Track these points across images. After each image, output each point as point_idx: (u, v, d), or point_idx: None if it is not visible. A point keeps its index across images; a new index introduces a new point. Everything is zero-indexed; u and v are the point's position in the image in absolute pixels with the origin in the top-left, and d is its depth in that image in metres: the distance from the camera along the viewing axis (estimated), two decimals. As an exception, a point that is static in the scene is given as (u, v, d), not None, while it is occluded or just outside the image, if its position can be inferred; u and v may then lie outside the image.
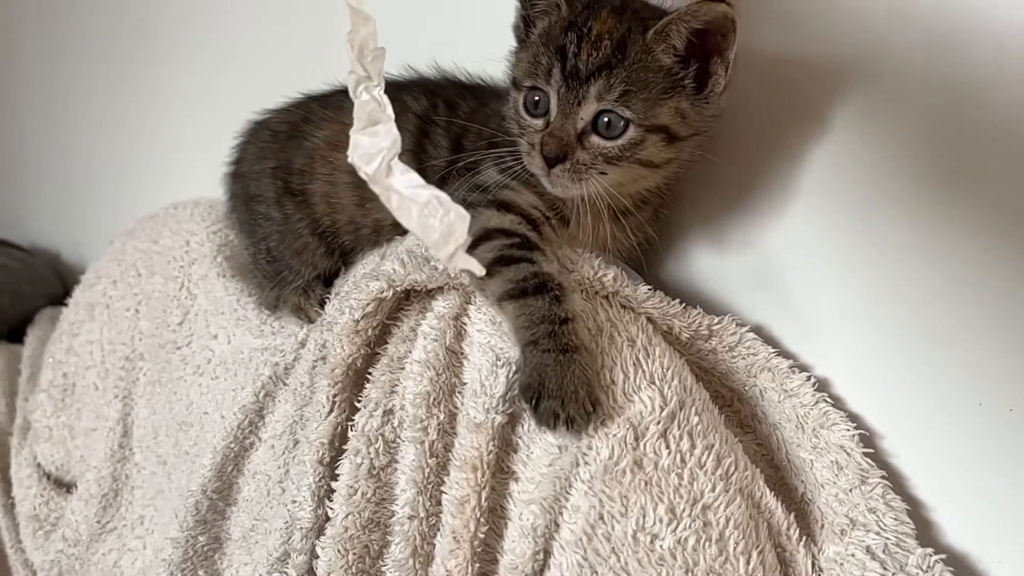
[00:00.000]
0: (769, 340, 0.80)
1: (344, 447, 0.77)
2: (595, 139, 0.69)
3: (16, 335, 1.48)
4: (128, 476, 1.12)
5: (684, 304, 0.78)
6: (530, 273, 0.69)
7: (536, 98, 0.72)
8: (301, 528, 0.78)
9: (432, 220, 0.60)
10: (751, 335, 0.78)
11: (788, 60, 0.76)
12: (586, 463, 0.66)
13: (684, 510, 0.63)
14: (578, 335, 0.67)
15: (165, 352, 1.09)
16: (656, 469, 0.65)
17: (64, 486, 1.22)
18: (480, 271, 0.61)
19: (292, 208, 0.92)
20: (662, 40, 0.67)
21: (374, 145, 0.61)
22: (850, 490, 0.67)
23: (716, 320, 0.79)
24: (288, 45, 1.22)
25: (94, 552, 1.14)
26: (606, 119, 0.68)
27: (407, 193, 0.60)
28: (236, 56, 1.33)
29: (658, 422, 0.68)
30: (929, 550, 0.65)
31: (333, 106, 0.87)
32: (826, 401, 0.70)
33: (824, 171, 0.76)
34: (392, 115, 0.61)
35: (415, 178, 0.60)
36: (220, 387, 0.98)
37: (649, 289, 0.78)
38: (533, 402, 0.65)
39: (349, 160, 0.61)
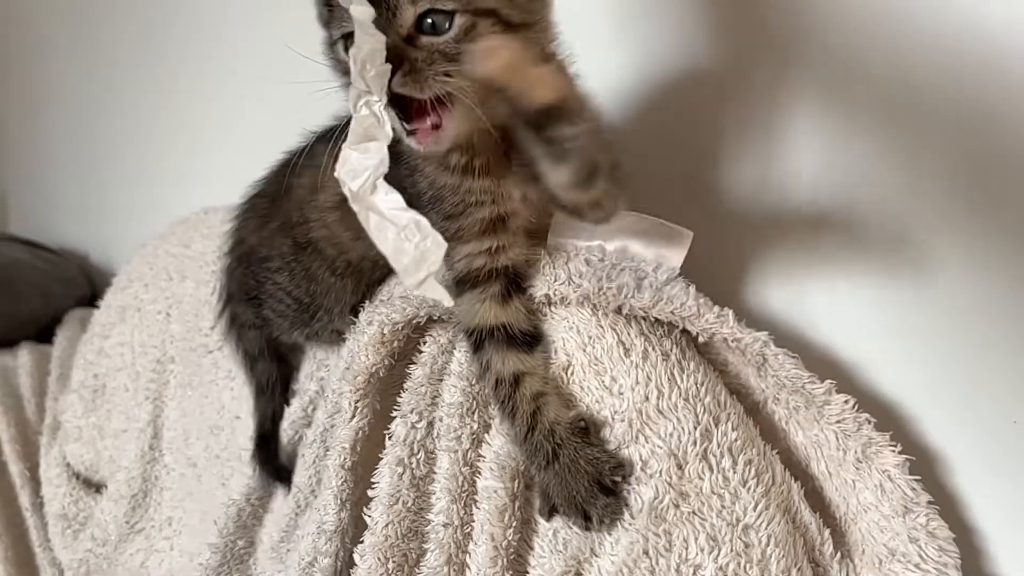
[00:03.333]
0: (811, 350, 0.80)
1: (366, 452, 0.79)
2: (425, 39, 0.64)
3: (45, 335, 1.49)
4: (157, 477, 1.14)
5: (716, 310, 0.74)
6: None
7: (349, 32, 0.65)
8: (325, 532, 0.79)
9: (407, 244, 0.59)
10: (782, 353, 0.74)
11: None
12: (627, 504, 0.67)
13: (725, 534, 0.63)
14: (556, 433, 0.68)
15: (196, 356, 1.10)
16: (700, 495, 0.65)
17: (93, 486, 1.23)
18: (448, 302, 0.61)
19: (307, 258, 0.90)
20: None
21: (362, 162, 0.61)
22: (892, 517, 0.66)
23: (742, 332, 0.75)
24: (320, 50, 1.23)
25: (122, 552, 1.16)
26: (429, 20, 0.64)
27: (388, 214, 0.60)
28: (267, 60, 1.34)
29: (695, 442, 0.68)
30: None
31: (308, 153, 0.84)
32: (869, 422, 0.69)
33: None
34: (390, 133, 0.61)
35: (398, 199, 0.60)
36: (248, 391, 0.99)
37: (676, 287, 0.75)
38: (551, 518, 0.68)
39: (336, 175, 0.61)
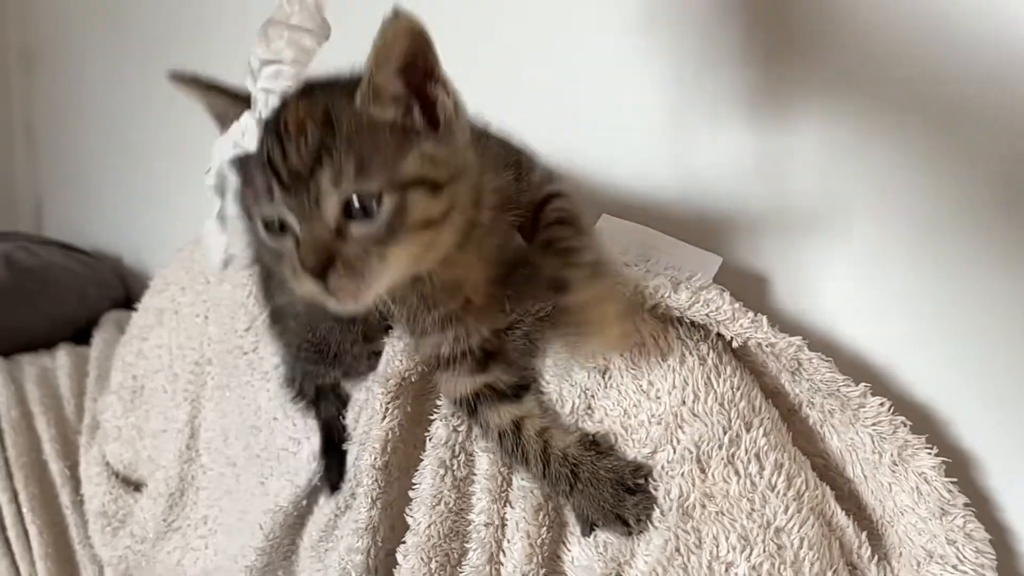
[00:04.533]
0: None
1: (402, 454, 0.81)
2: (355, 228, 0.58)
3: (82, 337, 1.52)
4: (194, 477, 1.16)
5: (751, 316, 0.75)
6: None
7: (270, 220, 0.61)
8: (357, 529, 0.81)
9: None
10: (816, 357, 0.75)
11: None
12: (656, 501, 0.69)
13: (757, 535, 0.64)
14: (570, 456, 0.69)
15: (232, 357, 1.12)
16: (726, 497, 0.66)
17: (131, 484, 1.26)
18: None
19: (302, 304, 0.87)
20: (373, 98, 0.59)
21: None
22: (929, 519, 0.66)
23: (776, 336, 0.76)
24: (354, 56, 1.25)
25: (159, 550, 1.18)
26: (356, 204, 0.58)
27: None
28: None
29: (720, 446, 0.69)
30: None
31: None
32: (904, 425, 0.70)
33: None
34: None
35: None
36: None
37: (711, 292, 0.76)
38: (592, 534, 0.69)
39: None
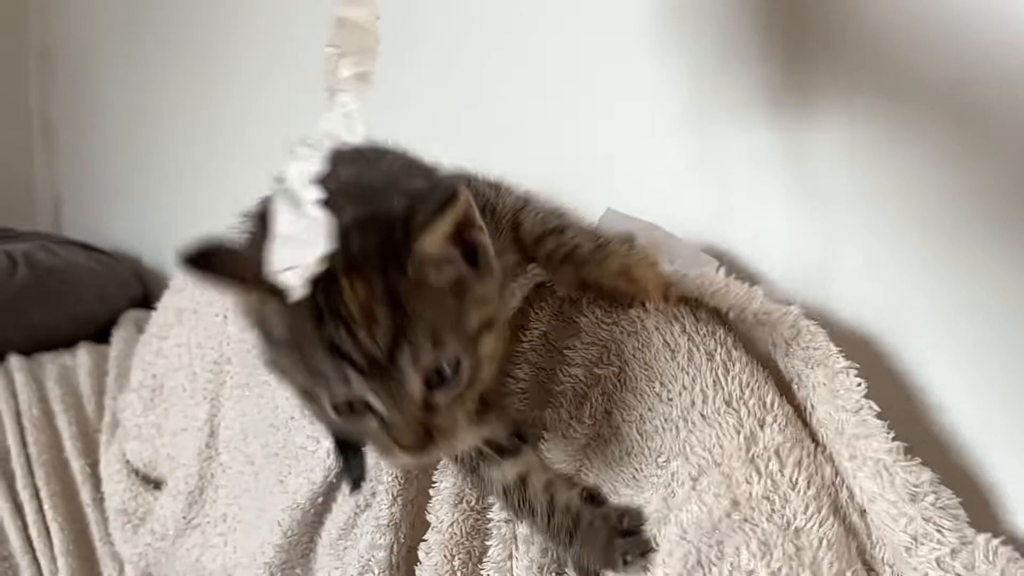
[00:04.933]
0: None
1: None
2: (439, 396, 0.57)
3: (102, 336, 1.54)
4: (213, 475, 1.17)
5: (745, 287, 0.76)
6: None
7: (349, 406, 0.58)
8: (380, 526, 0.82)
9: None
10: (814, 326, 0.74)
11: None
12: (677, 518, 0.68)
13: (777, 539, 0.64)
14: (572, 507, 0.68)
15: (251, 356, 1.13)
16: (750, 500, 0.66)
17: (151, 482, 1.27)
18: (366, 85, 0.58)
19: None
20: (427, 268, 0.56)
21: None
22: (896, 502, 0.64)
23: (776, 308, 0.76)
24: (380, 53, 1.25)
25: (179, 547, 1.19)
26: (437, 375, 0.57)
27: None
28: (321, 65, 1.36)
29: (739, 447, 0.68)
30: (987, 535, 0.62)
31: None
32: (871, 409, 0.67)
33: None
34: (360, 135, 0.57)
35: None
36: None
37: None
38: None
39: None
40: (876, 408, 0.68)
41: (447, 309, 0.56)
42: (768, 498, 0.66)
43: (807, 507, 0.66)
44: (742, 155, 0.87)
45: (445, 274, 0.56)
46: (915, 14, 0.73)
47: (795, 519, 0.65)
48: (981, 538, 0.61)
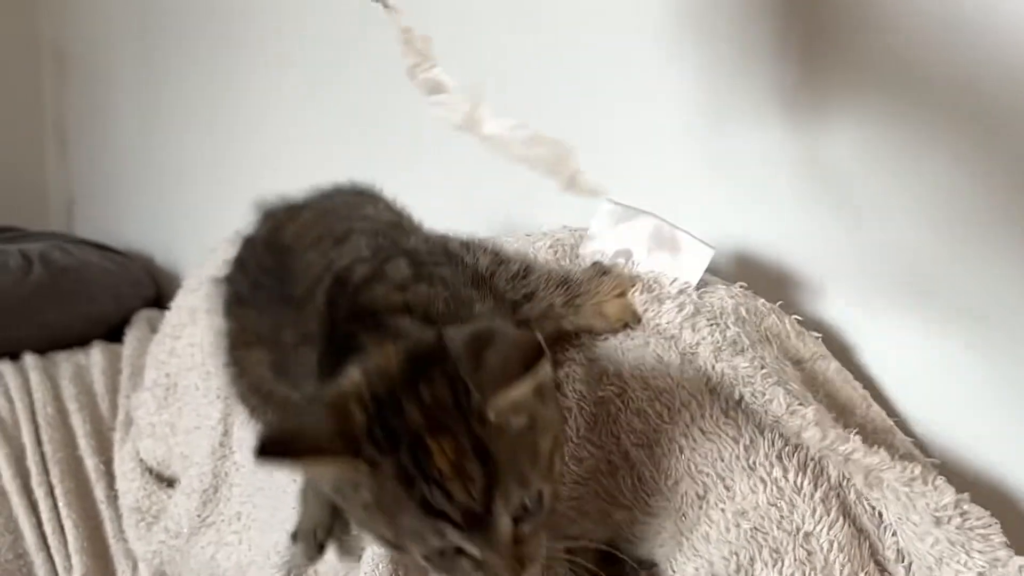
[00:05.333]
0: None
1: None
2: (526, 527, 0.57)
3: (115, 335, 1.55)
4: (227, 474, 1.18)
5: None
6: None
7: (440, 553, 0.57)
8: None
9: (538, 150, 0.60)
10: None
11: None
12: (690, 541, 0.68)
13: (787, 545, 0.64)
14: None
15: (267, 356, 1.14)
16: (757, 509, 0.66)
17: (165, 480, 1.28)
18: (605, 192, 0.61)
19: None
20: (508, 415, 0.55)
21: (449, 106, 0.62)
22: (920, 523, 0.63)
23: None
24: (387, 51, 1.26)
25: (193, 545, 1.20)
26: (524, 507, 0.57)
27: (506, 135, 0.61)
28: (337, 65, 1.37)
29: (738, 457, 0.68)
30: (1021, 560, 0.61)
31: None
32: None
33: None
34: (450, 85, 0.61)
35: (507, 120, 0.61)
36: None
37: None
38: None
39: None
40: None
41: (526, 445, 0.56)
42: (775, 505, 0.66)
43: (815, 511, 0.66)
44: (756, 155, 0.88)
45: (523, 416, 0.56)
46: (928, 14, 0.73)
47: (804, 523, 0.65)
48: (1016, 562, 0.60)
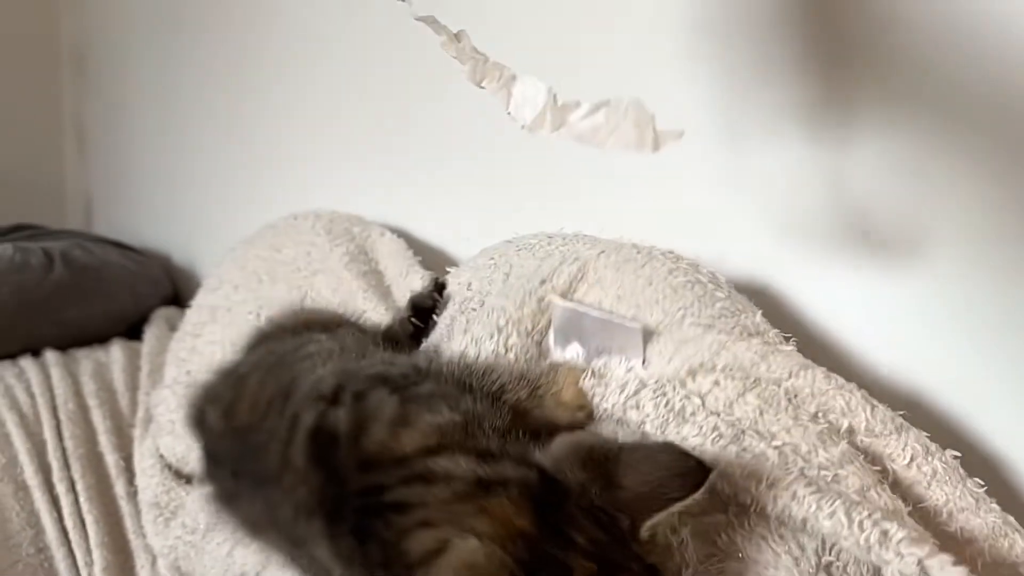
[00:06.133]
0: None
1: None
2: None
3: (133, 333, 1.57)
4: (246, 470, 1.19)
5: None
6: None
7: None
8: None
9: (623, 126, 0.58)
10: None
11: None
12: None
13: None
14: None
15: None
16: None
17: (183, 477, 1.30)
18: (678, 137, 0.58)
19: None
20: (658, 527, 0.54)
21: (527, 95, 0.59)
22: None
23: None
24: (410, 56, 1.27)
25: (209, 541, 1.21)
26: None
27: (588, 125, 0.58)
28: (359, 67, 1.38)
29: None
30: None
31: None
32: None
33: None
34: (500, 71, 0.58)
35: (584, 107, 0.59)
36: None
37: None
38: None
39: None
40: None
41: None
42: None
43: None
44: (776, 170, 0.87)
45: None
46: (954, 26, 0.73)
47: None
48: None
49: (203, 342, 1.30)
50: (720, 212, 0.92)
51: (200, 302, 1.35)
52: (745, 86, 0.89)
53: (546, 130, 0.58)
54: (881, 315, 0.83)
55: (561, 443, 0.57)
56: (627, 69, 1.00)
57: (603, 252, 0.84)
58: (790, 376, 0.72)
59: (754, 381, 0.71)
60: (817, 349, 0.84)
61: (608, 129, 0.58)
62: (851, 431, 0.69)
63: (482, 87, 0.60)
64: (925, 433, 0.69)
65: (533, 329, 0.81)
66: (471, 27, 1.18)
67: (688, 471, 0.53)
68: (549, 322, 0.81)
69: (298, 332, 0.86)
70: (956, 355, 0.78)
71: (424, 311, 0.97)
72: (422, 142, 1.26)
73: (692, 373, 0.72)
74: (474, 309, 0.91)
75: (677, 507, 0.52)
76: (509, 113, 0.58)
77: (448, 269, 1.05)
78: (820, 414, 0.70)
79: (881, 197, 0.80)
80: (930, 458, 0.68)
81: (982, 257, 0.75)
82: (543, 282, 0.82)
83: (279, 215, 1.34)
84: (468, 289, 0.95)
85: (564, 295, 0.81)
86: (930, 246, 0.78)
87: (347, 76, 1.39)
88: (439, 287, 1.01)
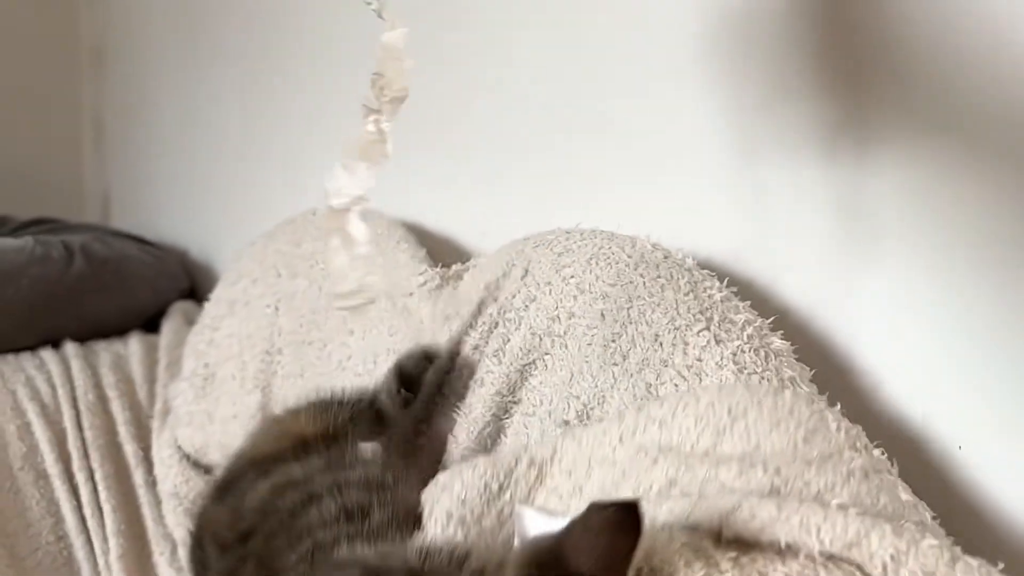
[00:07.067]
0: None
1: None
2: None
3: (151, 326, 1.59)
4: (262, 461, 1.21)
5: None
6: None
7: None
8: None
9: (353, 274, 0.63)
10: None
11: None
12: None
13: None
14: None
15: (304, 348, 1.18)
16: None
17: (201, 467, 1.32)
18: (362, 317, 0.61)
19: None
20: None
21: (349, 184, 0.64)
22: None
23: None
24: (428, 53, 1.28)
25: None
26: None
27: (351, 239, 0.63)
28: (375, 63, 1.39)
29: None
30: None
31: None
32: None
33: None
34: (389, 154, 0.62)
35: (366, 232, 0.63)
36: (360, 382, 1.05)
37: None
38: None
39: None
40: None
41: None
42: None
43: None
44: (790, 193, 0.86)
45: None
46: (978, 50, 0.71)
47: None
48: None
49: (221, 335, 1.33)
50: (733, 236, 0.91)
51: (218, 295, 1.37)
52: (760, 102, 0.88)
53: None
54: (900, 338, 0.81)
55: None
56: (636, 94, 0.99)
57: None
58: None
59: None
60: (837, 375, 0.82)
61: (343, 261, 0.63)
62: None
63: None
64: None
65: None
66: (486, 47, 1.19)
67: (621, 518, 0.51)
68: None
69: (280, 460, 0.83)
70: (968, 378, 0.77)
71: (413, 380, 0.92)
72: (440, 138, 1.27)
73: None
74: (491, 313, 0.94)
75: (638, 556, 0.51)
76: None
77: (464, 265, 1.07)
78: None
79: (898, 218, 0.79)
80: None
81: (1008, 284, 0.73)
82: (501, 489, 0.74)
83: (297, 211, 1.35)
84: (484, 290, 0.97)
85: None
86: (951, 269, 0.76)
87: (367, 73, 1.39)
88: (429, 357, 0.95)
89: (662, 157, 0.97)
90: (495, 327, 0.92)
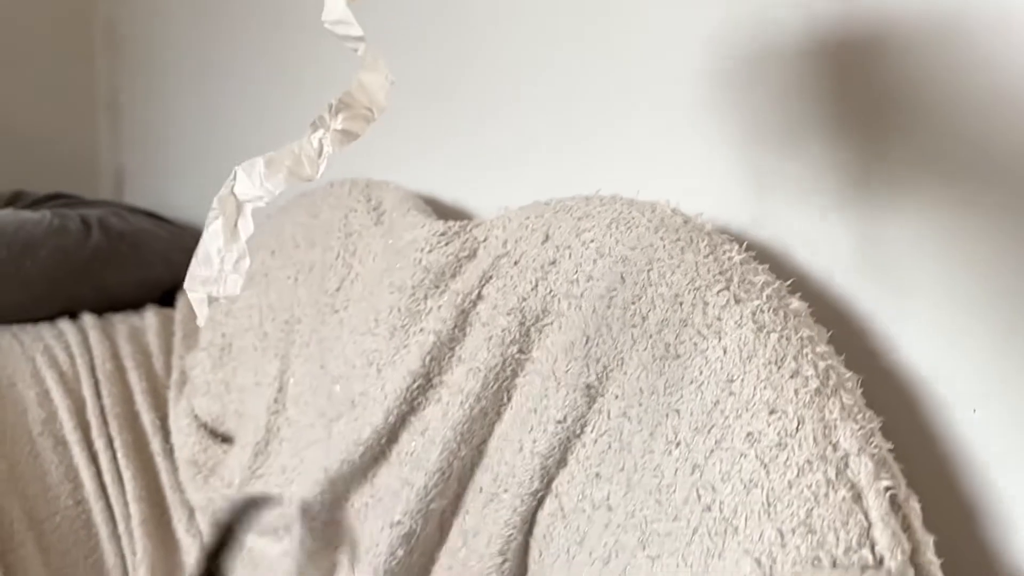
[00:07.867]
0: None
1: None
2: None
3: (165, 299, 1.61)
4: (279, 429, 1.23)
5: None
6: None
7: None
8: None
9: (209, 266, 0.62)
10: None
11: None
12: None
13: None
14: None
15: (323, 315, 1.19)
16: None
17: (218, 436, 1.34)
18: (201, 321, 0.62)
19: None
20: None
21: (259, 185, 0.63)
22: None
23: None
24: (444, 29, 1.29)
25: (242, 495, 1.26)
26: None
27: (230, 233, 0.63)
28: (391, 41, 1.40)
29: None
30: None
31: None
32: None
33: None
34: (317, 177, 0.60)
35: (249, 231, 0.63)
36: (376, 345, 1.06)
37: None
38: None
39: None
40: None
41: None
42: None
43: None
44: (802, 240, 0.85)
45: None
46: (1001, 93, 0.69)
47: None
48: None
49: (239, 306, 1.34)
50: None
51: (237, 267, 1.39)
52: (771, 143, 0.87)
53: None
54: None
55: None
56: (643, 132, 0.99)
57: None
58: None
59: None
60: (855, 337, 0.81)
61: (207, 251, 0.63)
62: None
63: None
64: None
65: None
66: (501, 92, 1.18)
67: None
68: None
69: None
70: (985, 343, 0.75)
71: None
72: (456, 110, 1.27)
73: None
74: (509, 274, 0.94)
75: None
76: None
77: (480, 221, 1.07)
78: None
79: (914, 266, 0.77)
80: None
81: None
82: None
83: (310, 186, 1.36)
84: (504, 246, 0.97)
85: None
86: (970, 317, 0.75)
87: (387, 49, 1.40)
88: None
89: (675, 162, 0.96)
90: (514, 287, 0.93)
